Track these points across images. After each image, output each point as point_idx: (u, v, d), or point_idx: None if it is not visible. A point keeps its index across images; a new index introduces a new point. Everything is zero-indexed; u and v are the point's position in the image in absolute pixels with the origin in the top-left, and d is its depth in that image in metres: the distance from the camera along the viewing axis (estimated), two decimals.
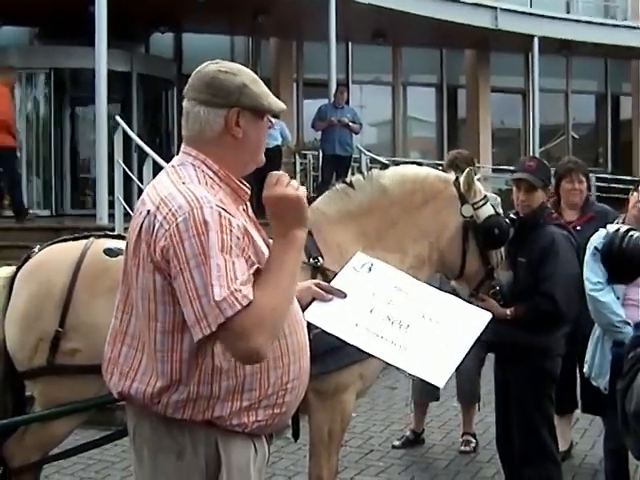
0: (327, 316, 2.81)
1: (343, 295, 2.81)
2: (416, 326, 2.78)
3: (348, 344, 2.77)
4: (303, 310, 2.85)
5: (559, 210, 6.24)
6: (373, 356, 2.81)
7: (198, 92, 2.63)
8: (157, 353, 2.54)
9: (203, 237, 2.40)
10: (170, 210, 2.45)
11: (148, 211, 2.52)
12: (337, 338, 2.77)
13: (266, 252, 2.59)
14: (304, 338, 2.70)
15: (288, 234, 2.52)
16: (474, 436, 6.80)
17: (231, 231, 2.43)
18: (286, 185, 2.55)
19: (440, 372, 2.69)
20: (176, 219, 2.43)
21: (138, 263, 2.54)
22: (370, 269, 3.00)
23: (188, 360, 2.51)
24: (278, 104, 2.69)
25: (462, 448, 6.73)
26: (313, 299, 2.90)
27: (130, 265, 2.59)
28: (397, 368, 2.81)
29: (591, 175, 6.52)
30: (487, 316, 2.92)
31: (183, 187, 2.52)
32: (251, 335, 2.37)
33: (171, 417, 2.56)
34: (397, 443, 6.89)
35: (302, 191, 2.56)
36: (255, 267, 2.47)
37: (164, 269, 2.46)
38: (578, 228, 5.79)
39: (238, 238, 2.45)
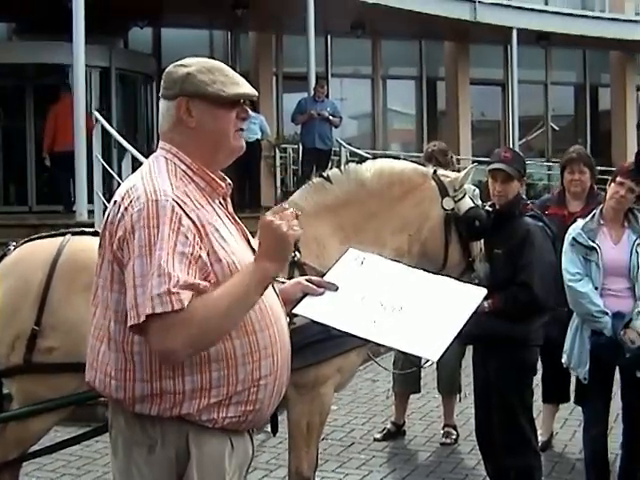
0: (317, 308, 2.80)
1: (334, 288, 2.81)
2: (409, 307, 2.78)
3: (339, 331, 2.76)
4: (294, 306, 2.85)
5: (564, 201, 6.24)
6: (364, 339, 2.80)
7: (161, 88, 2.73)
8: (110, 342, 2.58)
9: (152, 230, 2.43)
10: (131, 202, 2.51)
11: (115, 202, 2.59)
12: (327, 326, 2.77)
13: (236, 247, 2.61)
14: (279, 333, 2.67)
15: (260, 262, 2.53)
16: (455, 428, 6.82)
17: (179, 229, 2.45)
18: (285, 221, 2.56)
19: (434, 346, 2.67)
20: (133, 210, 2.49)
21: (103, 253, 2.60)
22: (362, 262, 3.00)
23: (140, 352, 2.53)
24: (233, 90, 2.65)
25: (443, 440, 6.75)
26: (305, 294, 2.89)
27: (99, 257, 2.64)
28: (381, 346, 2.80)
29: None
30: (482, 292, 2.92)
31: (147, 179, 2.57)
32: (167, 337, 2.41)
33: (141, 413, 2.57)
34: (378, 436, 6.89)
35: (295, 232, 2.56)
36: (207, 273, 2.48)
37: (119, 258, 2.51)
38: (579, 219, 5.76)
39: (186, 237, 2.46)
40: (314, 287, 2.86)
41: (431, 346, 2.68)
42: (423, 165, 4.86)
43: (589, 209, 5.93)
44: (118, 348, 2.57)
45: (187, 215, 2.49)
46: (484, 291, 2.93)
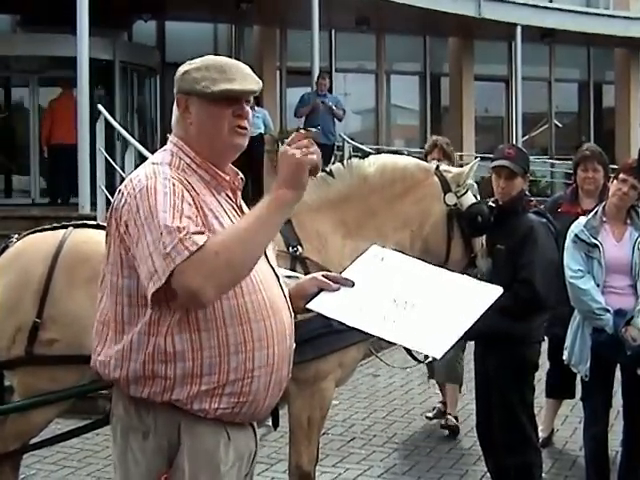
0: (329, 303, 2.81)
1: (351, 284, 2.82)
2: (421, 304, 2.78)
3: (348, 327, 2.77)
4: (309, 300, 2.85)
5: (577, 198, 6.24)
6: (372, 335, 2.81)
7: None
8: (118, 325, 2.62)
9: (151, 199, 2.48)
10: (133, 187, 2.56)
11: (119, 190, 2.63)
12: (338, 322, 2.78)
13: None
14: (277, 326, 2.66)
15: (278, 189, 2.55)
16: (456, 418, 6.84)
17: (183, 197, 2.50)
18: (300, 147, 2.58)
19: (438, 344, 2.67)
20: (135, 192, 2.54)
21: (110, 241, 2.63)
22: (382, 259, 3.00)
23: (141, 332, 2.56)
24: (219, 87, 2.65)
25: (443, 428, 6.84)
26: (320, 290, 2.90)
27: (106, 243, 2.67)
28: (387, 342, 2.81)
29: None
30: (497, 290, 2.91)
31: (149, 166, 2.63)
32: (187, 276, 2.40)
33: (136, 397, 2.60)
34: (430, 415, 7.17)
35: (310, 158, 2.57)
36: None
37: (127, 242, 2.54)
38: None
39: (190, 204, 2.50)
40: (330, 283, 2.87)
41: (436, 344, 2.68)
42: (426, 156, 4.85)
43: None
44: (126, 330, 2.60)
45: (187, 190, 2.54)
46: (500, 289, 2.91)
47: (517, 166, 4.89)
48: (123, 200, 2.57)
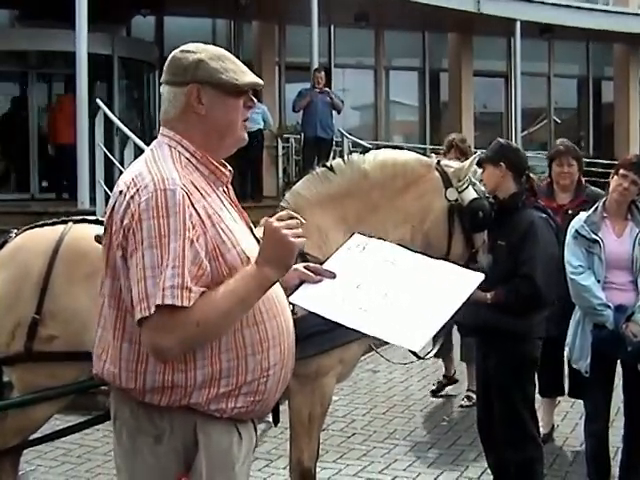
0: (312, 297, 2.80)
1: (332, 275, 2.81)
2: (402, 295, 2.77)
3: (330, 321, 2.76)
4: (291, 293, 2.84)
5: (552, 193, 6.25)
6: (352, 329, 2.80)
7: (164, 74, 2.68)
8: (127, 333, 2.55)
9: (162, 220, 2.40)
10: (137, 190, 2.47)
11: (120, 191, 2.53)
12: (319, 316, 2.77)
13: (241, 235, 2.59)
14: (285, 322, 2.67)
15: (263, 267, 2.49)
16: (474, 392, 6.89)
17: (190, 219, 2.43)
18: (291, 228, 2.52)
19: (417, 337, 2.67)
20: (140, 199, 2.45)
21: (108, 243, 2.56)
22: (364, 248, 2.99)
23: None
24: (245, 79, 2.63)
25: (462, 402, 7.38)
26: (302, 282, 2.88)
27: (104, 246, 2.60)
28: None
29: None
30: (479, 277, 2.90)
31: (154, 167, 2.53)
32: (163, 334, 2.39)
33: (149, 403, 2.55)
34: (434, 387, 7.64)
35: (301, 241, 2.52)
36: (205, 266, 2.45)
37: (124, 247, 2.47)
38: (570, 212, 5.78)
39: (194, 228, 2.44)
40: (311, 275, 2.86)
41: (414, 336, 2.68)
42: (444, 156, 4.85)
43: (578, 201, 6.00)
44: (134, 339, 2.53)
45: (193, 206, 2.47)
46: (481, 276, 2.91)
47: (487, 154, 4.93)
48: (125, 203, 2.48)
